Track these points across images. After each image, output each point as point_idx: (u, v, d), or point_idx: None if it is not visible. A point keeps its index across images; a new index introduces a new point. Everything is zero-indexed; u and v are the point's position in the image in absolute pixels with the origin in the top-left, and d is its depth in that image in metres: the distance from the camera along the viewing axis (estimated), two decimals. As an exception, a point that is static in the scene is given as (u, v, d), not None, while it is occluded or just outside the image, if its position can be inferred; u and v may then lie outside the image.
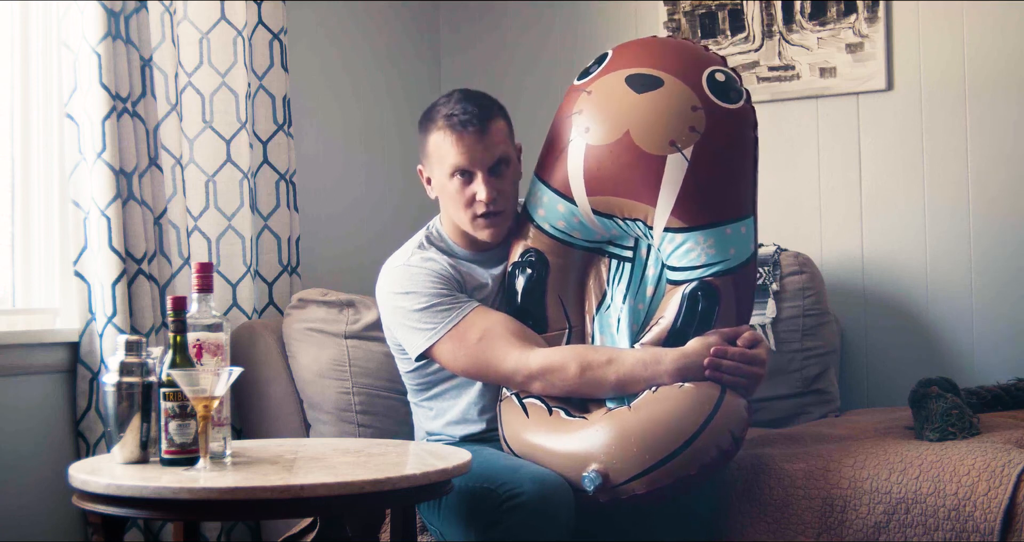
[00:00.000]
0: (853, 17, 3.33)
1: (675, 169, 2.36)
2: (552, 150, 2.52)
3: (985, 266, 3.21)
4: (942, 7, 3.26)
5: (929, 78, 3.28)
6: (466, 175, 2.47)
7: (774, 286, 3.12)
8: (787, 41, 3.42)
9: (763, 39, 3.45)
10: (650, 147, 2.38)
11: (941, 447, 2.36)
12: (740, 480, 2.42)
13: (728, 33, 3.49)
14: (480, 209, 2.48)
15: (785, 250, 3.21)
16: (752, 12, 3.46)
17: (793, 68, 3.42)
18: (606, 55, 2.55)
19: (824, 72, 3.37)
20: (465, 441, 2.53)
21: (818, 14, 3.37)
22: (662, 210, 2.38)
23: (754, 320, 3.09)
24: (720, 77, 2.43)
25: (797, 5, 3.40)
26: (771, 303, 3.10)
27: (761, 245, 3.21)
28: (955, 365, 3.21)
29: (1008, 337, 3.18)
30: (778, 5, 3.43)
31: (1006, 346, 3.18)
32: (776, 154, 3.44)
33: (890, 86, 3.32)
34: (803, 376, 3.11)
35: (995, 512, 2.19)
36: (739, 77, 2.48)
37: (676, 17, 3.56)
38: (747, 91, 2.47)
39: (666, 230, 2.38)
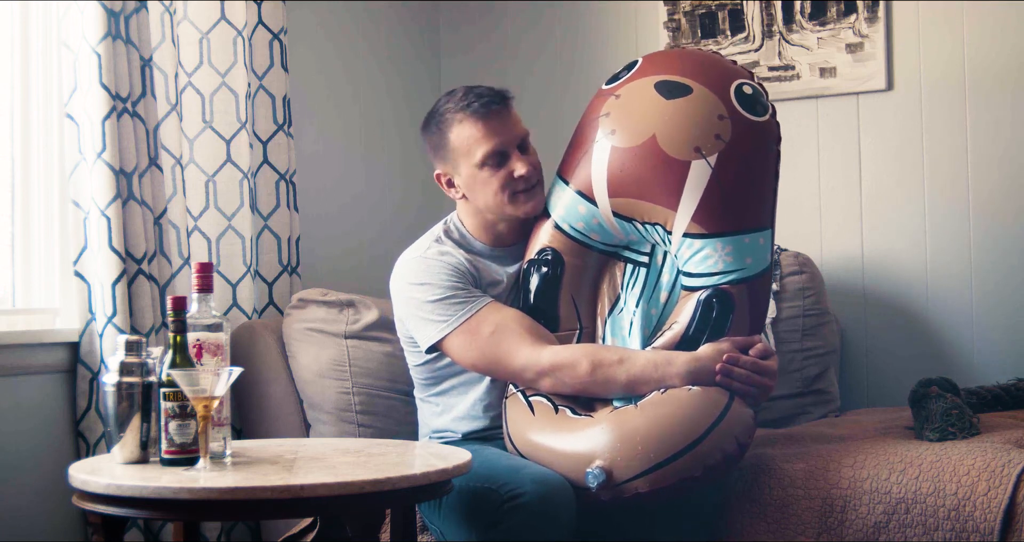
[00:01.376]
0: (853, 17, 3.33)
1: (699, 175, 2.38)
2: (576, 151, 2.53)
3: (985, 266, 3.21)
4: (942, 7, 3.26)
5: (929, 78, 3.28)
6: (497, 157, 2.48)
7: (774, 286, 3.12)
8: (787, 41, 3.42)
9: (763, 39, 3.45)
10: (675, 152, 2.39)
11: (941, 447, 2.36)
12: (740, 480, 2.42)
13: (728, 33, 3.49)
14: (520, 185, 2.50)
15: (785, 250, 3.21)
16: (752, 12, 3.46)
17: (793, 68, 3.42)
18: (636, 62, 2.57)
19: (824, 72, 3.37)
20: (469, 438, 2.54)
21: (818, 14, 3.37)
22: (683, 215, 2.39)
23: (754, 320, 3.09)
24: (748, 90, 2.46)
25: (797, 5, 3.40)
26: (771, 303, 3.10)
27: (762, 245, 3.21)
28: (955, 365, 3.21)
29: (1008, 337, 3.18)
30: (778, 5, 3.43)
31: (1006, 346, 3.18)
32: (776, 154, 3.44)
33: (890, 86, 3.32)
34: (803, 376, 3.11)
35: (995, 512, 2.19)
36: (766, 92, 2.51)
37: (676, 17, 3.56)
38: (773, 106, 2.49)
39: (685, 235, 2.39)
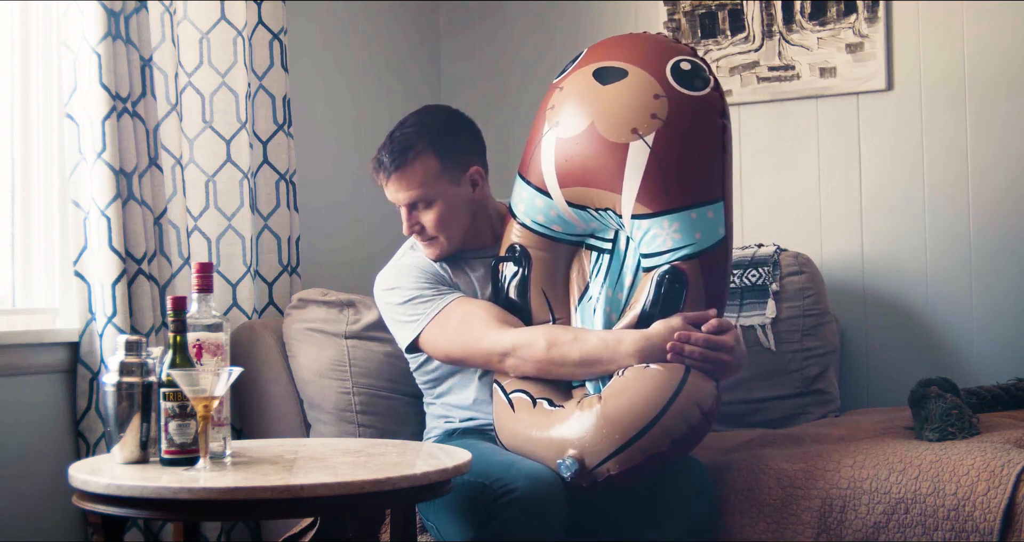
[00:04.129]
0: (853, 17, 3.33)
1: (637, 156, 2.39)
2: (529, 147, 2.57)
3: (985, 266, 3.21)
4: (942, 7, 3.26)
5: (929, 78, 3.28)
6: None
7: (774, 286, 3.12)
8: (787, 41, 3.42)
9: (763, 39, 3.45)
10: (613, 135, 2.41)
11: (941, 447, 2.36)
12: (740, 480, 2.42)
13: (728, 33, 3.49)
14: (414, 235, 2.62)
15: (785, 250, 3.21)
16: (752, 12, 3.46)
17: (793, 68, 3.42)
18: (581, 53, 2.59)
19: (824, 72, 3.37)
20: (469, 431, 2.57)
21: (818, 14, 3.37)
22: (627, 197, 2.41)
23: (754, 320, 3.09)
24: (685, 66, 2.45)
25: (797, 5, 3.40)
26: (771, 303, 3.10)
27: (761, 245, 3.21)
28: (955, 365, 3.21)
29: (1008, 337, 3.18)
30: (778, 5, 3.43)
31: (1006, 346, 3.18)
32: (776, 154, 3.44)
33: (890, 86, 3.32)
34: (803, 376, 3.11)
35: (995, 512, 2.19)
36: (707, 66, 2.50)
37: (676, 17, 3.56)
38: (715, 79, 2.49)
39: (633, 217, 2.41)
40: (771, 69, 3.44)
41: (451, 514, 2.35)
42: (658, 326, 2.36)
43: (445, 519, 2.38)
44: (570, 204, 2.49)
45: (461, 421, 2.60)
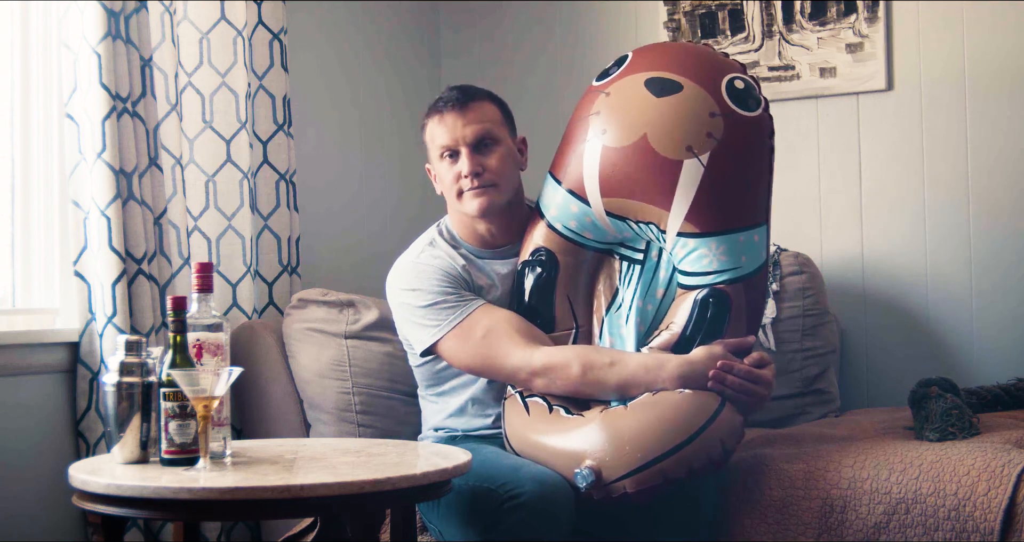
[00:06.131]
0: (853, 17, 3.34)
1: (691, 174, 2.36)
2: (567, 150, 2.52)
3: (985, 266, 3.21)
4: (942, 7, 3.26)
5: (929, 78, 3.28)
6: (454, 155, 2.54)
7: (774, 286, 3.12)
8: (787, 41, 3.42)
9: (763, 39, 3.45)
10: (667, 151, 2.38)
11: (941, 447, 2.36)
12: (740, 480, 2.42)
13: (728, 33, 3.49)
14: (465, 184, 2.52)
15: (785, 250, 3.21)
16: (752, 12, 3.46)
17: (793, 68, 3.42)
18: (626, 57, 2.54)
19: (824, 72, 3.37)
20: (469, 437, 2.55)
21: (818, 14, 3.37)
22: (676, 215, 2.38)
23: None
24: (739, 84, 2.43)
25: (797, 5, 3.40)
26: (771, 303, 3.10)
27: (762, 245, 3.22)
28: (955, 365, 3.21)
29: (1008, 337, 3.18)
30: (778, 5, 3.43)
31: (1006, 346, 3.18)
32: (776, 154, 3.43)
33: (890, 86, 3.32)
34: (803, 376, 3.11)
35: (995, 512, 2.19)
36: (758, 85, 2.49)
37: (676, 17, 3.56)
38: (765, 99, 2.47)
39: (679, 235, 2.39)
40: (771, 69, 3.44)
41: (456, 518, 2.34)
42: (700, 353, 2.33)
43: (449, 523, 2.36)
44: (609, 214, 2.46)
45: (465, 431, 2.57)
